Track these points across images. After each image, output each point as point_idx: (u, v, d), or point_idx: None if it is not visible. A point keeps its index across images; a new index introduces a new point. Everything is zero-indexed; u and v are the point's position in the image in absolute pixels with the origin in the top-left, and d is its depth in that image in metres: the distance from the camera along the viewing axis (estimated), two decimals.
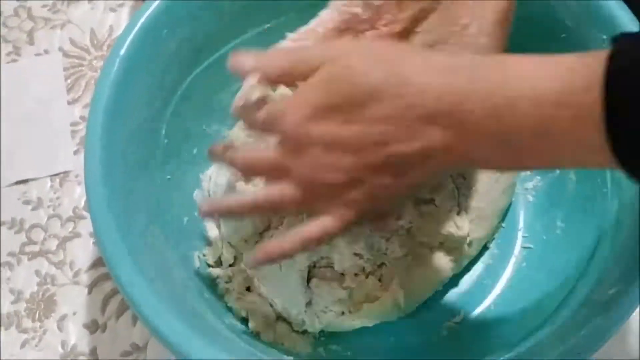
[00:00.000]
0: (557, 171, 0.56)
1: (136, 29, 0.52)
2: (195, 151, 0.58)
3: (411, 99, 0.37)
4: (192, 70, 0.56)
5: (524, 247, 0.56)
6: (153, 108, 0.53)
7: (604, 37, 0.50)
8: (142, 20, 0.52)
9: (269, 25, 0.59)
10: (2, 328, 0.57)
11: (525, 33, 0.50)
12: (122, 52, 0.51)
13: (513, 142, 0.36)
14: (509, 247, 0.56)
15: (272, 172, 0.43)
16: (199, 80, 0.57)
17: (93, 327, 0.57)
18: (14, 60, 0.70)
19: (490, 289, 0.55)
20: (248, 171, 0.48)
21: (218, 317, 0.51)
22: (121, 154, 0.49)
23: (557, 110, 0.33)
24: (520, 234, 0.57)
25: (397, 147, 0.37)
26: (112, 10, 0.71)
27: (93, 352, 0.56)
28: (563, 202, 0.55)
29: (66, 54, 0.69)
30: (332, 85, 0.39)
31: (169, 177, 0.54)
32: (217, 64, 0.57)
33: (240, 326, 0.53)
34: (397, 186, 0.40)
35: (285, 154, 0.41)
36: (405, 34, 0.47)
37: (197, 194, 0.57)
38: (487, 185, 0.54)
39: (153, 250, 0.49)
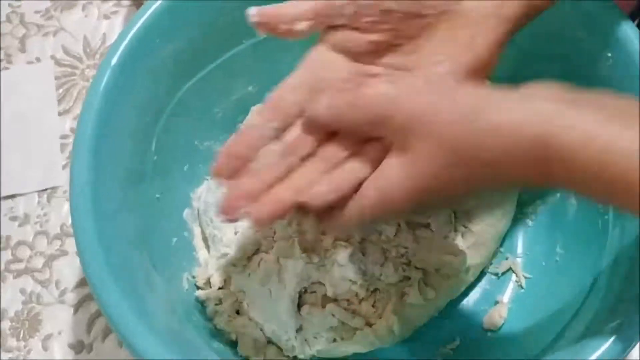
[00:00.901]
0: (558, 195, 0.54)
1: (128, 38, 0.50)
2: (186, 168, 0.56)
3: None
4: (185, 82, 0.55)
5: (523, 273, 0.54)
6: (143, 122, 0.52)
7: (609, 54, 0.48)
8: (135, 29, 0.50)
9: (265, 36, 0.58)
10: None
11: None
12: (114, 61, 0.49)
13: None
14: (506, 273, 0.55)
15: None
16: (191, 93, 0.55)
17: (79, 347, 0.56)
18: (5, 68, 0.68)
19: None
20: None
21: (206, 341, 0.50)
22: (109, 170, 0.48)
23: None
24: (518, 260, 0.55)
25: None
26: (106, 17, 0.70)
27: None
28: (563, 227, 0.53)
29: (58, 62, 0.68)
30: None
31: (158, 195, 0.53)
32: (211, 76, 0.56)
33: (228, 351, 0.52)
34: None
35: None
36: (377, 49, 0.42)
37: (187, 214, 0.56)
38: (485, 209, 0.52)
39: (139, 272, 0.48)
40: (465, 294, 0.54)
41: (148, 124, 0.52)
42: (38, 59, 0.68)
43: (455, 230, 0.51)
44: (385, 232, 0.50)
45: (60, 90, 0.66)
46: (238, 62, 0.57)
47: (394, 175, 0.36)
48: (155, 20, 0.51)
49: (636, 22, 0.51)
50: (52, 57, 0.68)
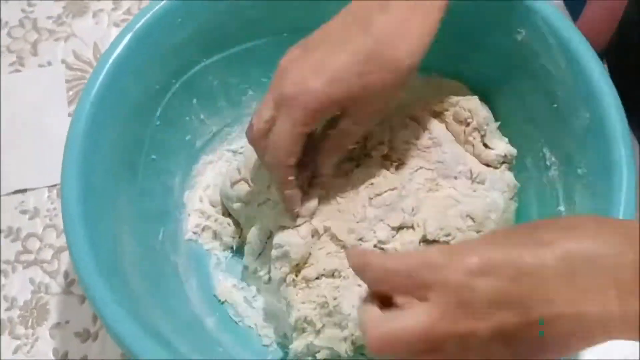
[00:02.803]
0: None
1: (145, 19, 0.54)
2: (187, 138, 0.60)
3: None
4: (195, 64, 0.58)
5: None
6: (149, 92, 0.55)
7: (587, 115, 0.50)
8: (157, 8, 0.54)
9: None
10: None
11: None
12: (125, 40, 0.53)
13: None
14: None
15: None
16: (201, 75, 0.59)
17: (84, 335, 0.58)
18: (17, 71, 0.71)
19: None
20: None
21: None
22: (105, 134, 0.51)
23: None
24: None
25: None
26: (116, 25, 0.73)
27: None
28: None
29: (69, 67, 0.71)
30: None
31: (154, 157, 0.56)
32: (227, 61, 0.59)
33: None
34: None
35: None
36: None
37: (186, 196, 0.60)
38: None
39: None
40: None
41: (154, 96, 0.56)
42: (49, 63, 0.71)
43: None
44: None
45: (71, 93, 0.69)
46: (257, 53, 0.60)
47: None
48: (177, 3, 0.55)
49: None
50: (63, 61, 0.71)
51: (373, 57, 0.45)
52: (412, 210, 0.51)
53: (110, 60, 0.52)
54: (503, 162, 0.56)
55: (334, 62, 0.45)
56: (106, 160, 0.51)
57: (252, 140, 0.49)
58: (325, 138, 0.50)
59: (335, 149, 0.50)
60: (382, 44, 0.45)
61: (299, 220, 0.50)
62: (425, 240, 0.50)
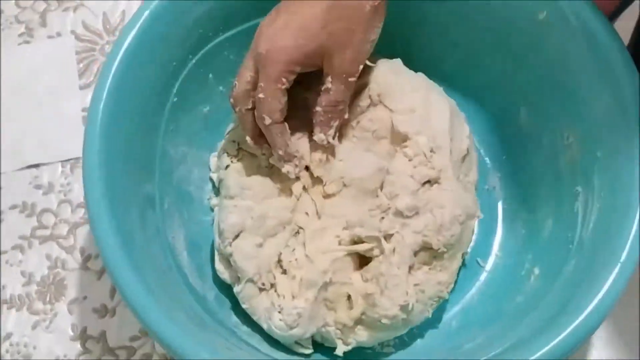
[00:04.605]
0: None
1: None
2: (206, 110, 0.59)
3: None
4: (214, 37, 0.57)
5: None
6: (168, 68, 0.55)
7: (607, 97, 0.50)
8: None
9: None
10: (14, 309, 0.59)
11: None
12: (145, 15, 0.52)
13: None
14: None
15: None
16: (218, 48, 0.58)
17: (102, 311, 0.59)
18: (27, 42, 0.70)
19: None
20: None
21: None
22: (125, 109, 0.51)
23: None
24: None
25: None
26: None
27: (102, 335, 0.58)
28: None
29: (78, 38, 0.70)
30: None
31: (172, 127, 0.56)
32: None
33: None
34: None
35: None
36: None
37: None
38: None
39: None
40: None
41: (171, 73, 0.55)
42: (59, 34, 0.70)
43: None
44: None
45: (81, 65, 0.69)
46: None
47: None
48: None
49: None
50: (73, 32, 0.70)
51: (335, 6, 0.48)
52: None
53: (128, 39, 0.51)
54: None
55: (300, 17, 0.48)
56: (125, 144, 0.51)
57: (234, 100, 0.51)
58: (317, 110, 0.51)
59: (331, 115, 0.51)
60: None
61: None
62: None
